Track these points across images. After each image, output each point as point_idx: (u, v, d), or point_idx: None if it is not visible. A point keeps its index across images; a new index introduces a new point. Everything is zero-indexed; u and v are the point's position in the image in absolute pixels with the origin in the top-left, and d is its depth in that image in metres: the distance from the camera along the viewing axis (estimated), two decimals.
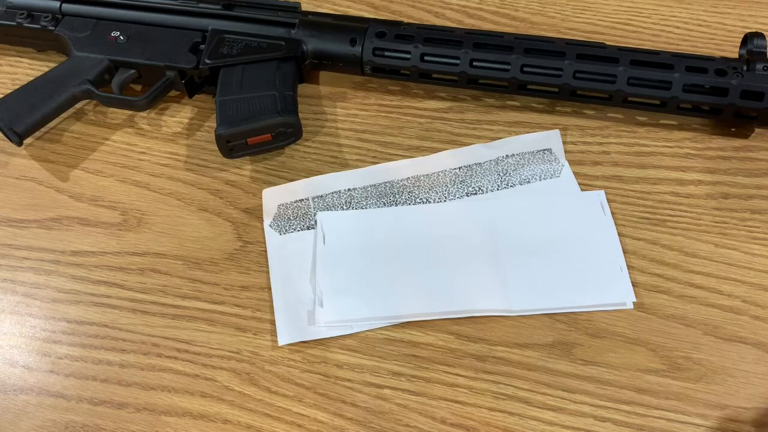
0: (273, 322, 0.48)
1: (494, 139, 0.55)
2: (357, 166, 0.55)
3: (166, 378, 0.47)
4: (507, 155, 0.54)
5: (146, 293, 0.51)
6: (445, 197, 0.53)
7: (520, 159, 0.54)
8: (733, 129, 0.53)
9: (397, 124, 0.57)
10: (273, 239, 0.52)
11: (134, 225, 0.54)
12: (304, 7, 0.60)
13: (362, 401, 0.45)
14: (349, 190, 0.54)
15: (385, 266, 0.50)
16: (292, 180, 0.55)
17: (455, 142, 0.55)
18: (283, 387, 0.46)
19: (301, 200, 0.53)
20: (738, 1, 0.61)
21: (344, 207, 0.53)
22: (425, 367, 0.46)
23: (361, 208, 0.53)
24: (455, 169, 0.54)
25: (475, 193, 0.53)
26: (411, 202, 0.53)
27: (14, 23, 0.61)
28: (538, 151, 0.54)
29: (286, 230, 0.52)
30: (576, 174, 0.53)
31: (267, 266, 0.51)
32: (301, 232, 0.52)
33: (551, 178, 0.53)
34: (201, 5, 0.59)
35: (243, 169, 0.56)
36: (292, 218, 0.52)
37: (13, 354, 0.50)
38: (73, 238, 0.54)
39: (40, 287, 0.52)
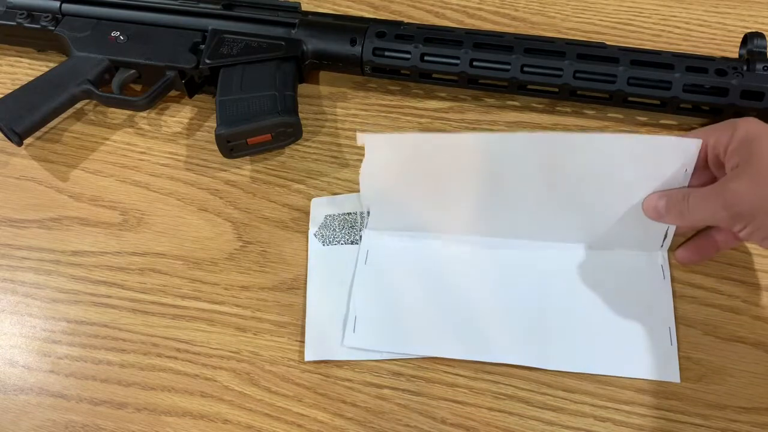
0: (273, 322, 0.49)
1: None
2: (357, 166, 0.55)
3: (166, 378, 0.47)
4: None
5: (146, 293, 0.51)
6: None
7: None
8: None
9: (397, 124, 0.57)
10: (315, 248, 0.51)
11: (134, 225, 0.54)
12: (304, 7, 0.60)
13: (362, 401, 0.45)
14: None
15: (424, 298, 0.48)
16: (292, 180, 0.55)
17: None
18: (283, 387, 0.46)
19: (349, 213, 0.52)
20: (738, 1, 0.61)
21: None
22: (425, 367, 0.46)
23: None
24: None
25: None
26: None
27: (14, 23, 0.61)
28: None
29: (330, 241, 0.51)
30: None
31: (267, 266, 0.51)
32: (345, 245, 0.50)
33: None
34: (201, 5, 0.59)
35: (243, 169, 0.56)
36: (337, 230, 0.51)
37: (13, 354, 0.50)
38: (73, 238, 0.54)
39: (40, 287, 0.52)
